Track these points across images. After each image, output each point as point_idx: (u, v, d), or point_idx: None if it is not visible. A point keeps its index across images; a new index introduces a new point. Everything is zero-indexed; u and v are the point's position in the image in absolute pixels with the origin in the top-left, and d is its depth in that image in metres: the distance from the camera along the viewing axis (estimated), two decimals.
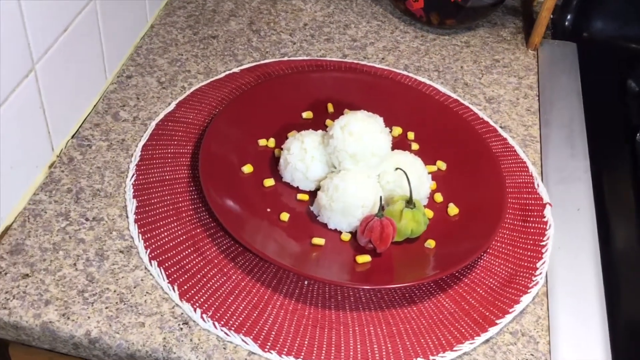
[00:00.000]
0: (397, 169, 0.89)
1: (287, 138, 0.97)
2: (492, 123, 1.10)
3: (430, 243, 0.87)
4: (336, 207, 0.86)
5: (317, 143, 0.91)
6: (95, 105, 1.01)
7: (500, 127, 1.10)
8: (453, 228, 0.90)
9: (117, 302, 0.77)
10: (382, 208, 0.84)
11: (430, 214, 0.91)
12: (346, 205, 0.85)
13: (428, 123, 1.05)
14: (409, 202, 0.86)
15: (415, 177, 0.90)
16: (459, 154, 1.00)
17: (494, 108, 1.13)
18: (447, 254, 0.86)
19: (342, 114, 1.04)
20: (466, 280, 0.85)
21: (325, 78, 1.08)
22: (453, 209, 0.92)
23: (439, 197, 0.94)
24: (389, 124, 1.02)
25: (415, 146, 1.01)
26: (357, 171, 0.88)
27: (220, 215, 0.84)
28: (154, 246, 0.83)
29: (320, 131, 0.95)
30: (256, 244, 0.81)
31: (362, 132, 0.88)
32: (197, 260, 0.82)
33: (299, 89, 1.06)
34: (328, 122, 1.03)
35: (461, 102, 1.13)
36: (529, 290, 0.85)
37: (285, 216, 0.88)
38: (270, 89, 1.04)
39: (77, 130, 0.97)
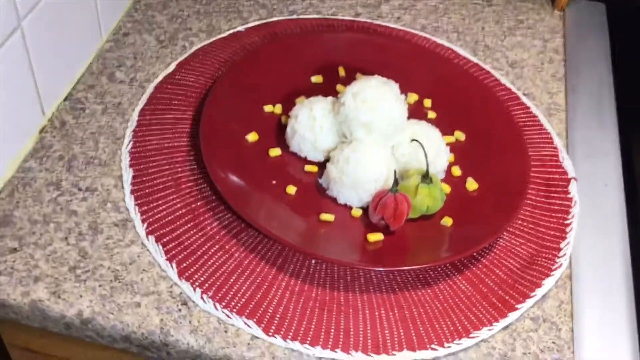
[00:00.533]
0: (412, 140, 0.83)
1: (294, 104, 0.91)
2: (514, 90, 1.03)
3: (447, 221, 0.81)
4: (347, 180, 0.80)
5: (326, 111, 0.85)
6: (89, 66, 0.95)
7: (524, 94, 1.02)
8: (472, 204, 0.84)
9: (111, 280, 0.72)
10: (396, 183, 0.78)
11: (447, 189, 0.85)
12: (357, 179, 0.79)
13: (446, 90, 0.98)
14: (425, 177, 0.80)
15: (432, 149, 0.84)
16: (478, 124, 0.94)
17: (517, 73, 1.05)
18: (464, 233, 0.80)
19: (354, 78, 0.97)
20: (484, 260, 0.80)
21: (336, 39, 1.00)
22: (472, 184, 0.86)
23: (456, 171, 0.88)
24: (404, 90, 0.95)
25: (432, 114, 0.94)
26: (369, 142, 0.82)
27: (222, 189, 0.78)
28: (151, 220, 0.78)
29: (330, 97, 0.88)
30: (260, 219, 0.76)
31: (376, 99, 0.81)
32: (197, 236, 0.77)
33: (308, 50, 0.98)
34: (339, 87, 0.96)
35: (482, 67, 1.05)
36: (551, 273, 0.79)
37: (291, 189, 0.82)
38: (277, 51, 0.97)
39: (70, 92, 0.91)
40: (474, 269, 0.79)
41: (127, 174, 0.82)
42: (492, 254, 0.80)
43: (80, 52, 0.93)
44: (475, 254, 0.80)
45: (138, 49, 0.98)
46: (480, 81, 0.99)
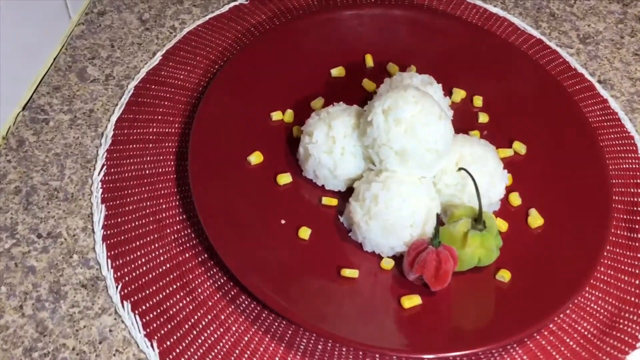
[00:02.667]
0: (460, 169, 0.64)
1: (309, 109, 0.72)
2: (587, 75, 0.82)
3: (504, 275, 0.63)
4: (374, 225, 0.62)
5: (349, 128, 0.66)
6: (55, 59, 0.76)
7: (599, 81, 0.81)
8: (536, 248, 0.65)
9: None
10: (437, 234, 0.60)
11: (503, 226, 0.67)
12: (389, 224, 0.61)
13: (502, 82, 0.77)
14: (477, 221, 0.62)
15: (486, 176, 0.65)
16: (543, 130, 0.74)
17: (590, 52, 0.84)
18: (528, 292, 0.62)
19: (386, 70, 0.77)
20: (550, 325, 0.63)
21: (362, 17, 0.80)
22: (536, 219, 0.67)
23: (515, 199, 0.69)
24: (448, 84, 0.76)
25: (483, 118, 0.75)
26: (404, 173, 0.63)
27: (216, 244, 0.61)
28: (127, 279, 0.62)
29: (354, 107, 0.69)
30: (264, 286, 0.59)
31: (414, 120, 0.62)
32: (185, 301, 0.61)
33: (327, 33, 0.78)
34: (366, 83, 0.76)
35: (545, 44, 0.84)
36: (638, 344, 0.62)
37: (305, 233, 0.64)
38: (288, 36, 0.77)
39: (30, 97, 0.73)
40: (537, 337, 0.62)
41: (99, 213, 0.65)
42: (559, 316, 0.63)
43: (43, 40, 0.74)
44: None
45: (116, 34, 0.79)
46: (547, 71, 0.78)
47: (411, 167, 0.63)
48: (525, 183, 0.70)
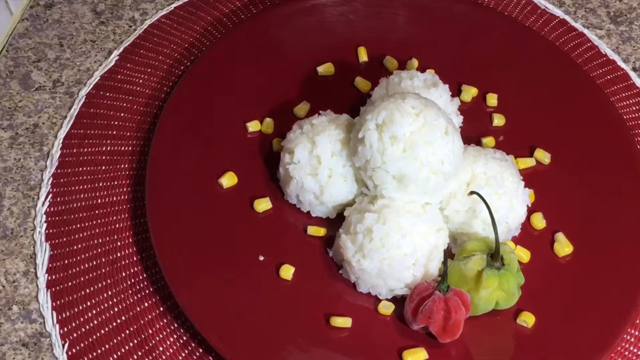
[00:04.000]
0: (472, 193, 0.53)
1: (292, 117, 0.61)
2: (620, 62, 0.70)
3: (527, 319, 0.53)
4: (369, 265, 0.51)
5: (337, 144, 0.54)
6: None
7: (634, 69, 0.69)
8: (564, 284, 0.55)
9: None
10: (446, 274, 0.50)
11: (525, 255, 0.56)
12: (386, 264, 0.51)
13: (520, 76, 0.65)
14: (494, 257, 0.51)
15: (504, 201, 0.54)
16: (570, 135, 0.62)
17: (623, 33, 0.72)
18: (557, 340, 0.52)
19: (382, 65, 0.66)
20: None
21: (353, 1, 0.67)
22: (563, 245, 0.56)
23: (539, 222, 0.58)
24: (456, 80, 0.64)
25: (499, 120, 0.63)
26: (404, 201, 0.52)
27: (178, 290, 0.51)
28: (75, 335, 0.51)
29: (343, 118, 0.57)
30: (237, 346, 0.49)
31: (414, 138, 0.50)
32: None
33: (312, 23, 0.66)
34: (359, 82, 0.64)
35: (570, 25, 0.72)
36: None
37: (287, 271, 0.54)
38: (265, 27, 0.65)
39: None
40: None
41: (42, 253, 0.55)
42: None
43: None
44: None
45: (66, 30, 0.67)
46: (572, 60, 0.66)
47: (412, 193, 0.52)
48: (550, 201, 0.59)
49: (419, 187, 0.52)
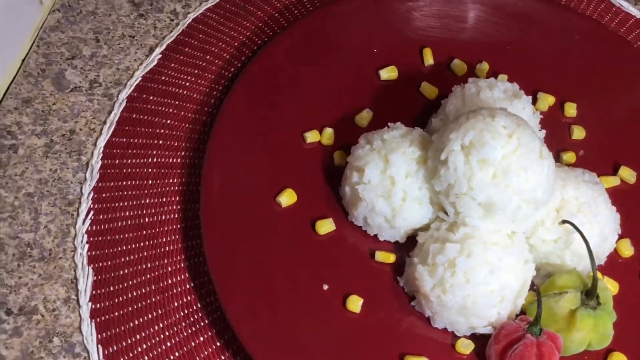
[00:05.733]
0: (564, 221, 0.48)
1: (353, 125, 0.55)
2: None
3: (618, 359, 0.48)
4: (450, 301, 0.46)
5: (413, 164, 0.49)
6: (24, 60, 0.59)
7: None
8: None
9: None
10: (539, 316, 0.45)
11: (612, 287, 0.51)
12: (470, 302, 0.46)
13: (600, 82, 0.60)
14: (589, 294, 0.47)
15: (597, 229, 0.49)
16: None
17: None
18: None
19: (449, 69, 0.60)
20: None
21: None
22: None
23: (626, 248, 0.53)
24: (531, 87, 0.59)
25: (579, 132, 0.58)
26: (489, 231, 0.47)
27: (237, 325, 0.46)
28: None
29: (417, 133, 0.52)
30: None
31: (507, 163, 0.45)
32: None
33: (374, 22, 0.60)
34: (425, 87, 0.59)
35: None
36: None
37: (355, 303, 0.49)
38: (324, 26, 0.59)
39: None
40: None
41: (85, 278, 0.50)
42: None
43: (9, 35, 0.57)
44: None
45: (101, 23, 0.61)
46: None
47: (499, 222, 0.47)
48: (637, 225, 0.54)
49: (507, 216, 0.46)
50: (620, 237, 0.53)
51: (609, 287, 0.51)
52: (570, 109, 0.59)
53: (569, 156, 0.56)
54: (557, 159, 0.56)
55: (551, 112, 0.60)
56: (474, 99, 0.53)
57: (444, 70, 0.60)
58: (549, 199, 0.48)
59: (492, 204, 0.46)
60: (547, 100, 0.59)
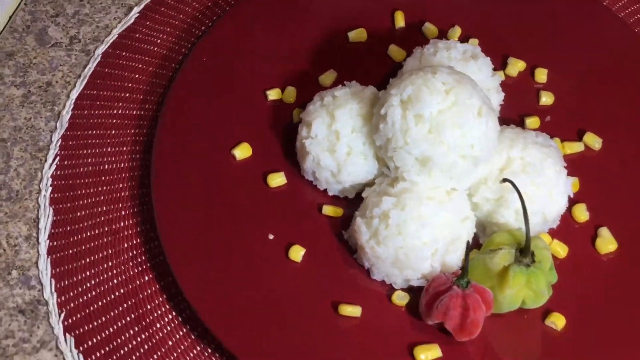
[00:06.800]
0: (504, 180, 0.47)
1: (318, 88, 0.56)
2: None
3: (557, 320, 0.47)
4: (384, 253, 0.47)
5: (359, 120, 0.50)
6: (11, 17, 0.63)
7: None
8: (603, 285, 0.49)
9: None
10: (466, 269, 0.45)
11: (561, 250, 0.51)
12: (402, 253, 0.46)
13: (575, 50, 0.59)
14: (524, 253, 0.46)
15: (543, 190, 0.48)
16: (627, 119, 0.56)
17: None
18: (589, 346, 0.47)
19: (421, 32, 0.60)
20: None
21: None
22: (606, 242, 0.50)
23: (581, 213, 0.52)
24: (502, 52, 0.59)
25: (547, 98, 0.57)
26: (428, 187, 0.48)
27: (177, 268, 0.48)
28: (72, 305, 0.49)
29: (369, 90, 0.52)
30: (237, 330, 0.46)
31: (442, 119, 0.45)
32: (140, 339, 0.48)
33: None
34: (393, 50, 0.59)
35: None
36: None
37: (297, 253, 0.50)
38: None
39: None
40: None
41: (46, 218, 0.53)
42: None
43: None
44: None
45: None
46: (636, 34, 0.59)
47: (437, 177, 0.47)
48: (596, 191, 0.53)
49: (444, 172, 0.47)
50: (577, 201, 0.52)
51: (559, 250, 0.51)
52: (541, 75, 0.58)
53: (533, 121, 0.56)
54: (521, 124, 0.56)
55: (521, 77, 0.59)
56: (430, 58, 0.53)
57: (415, 34, 0.60)
58: (490, 157, 0.48)
59: (428, 159, 0.46)
60: (517, 65, 0.58)
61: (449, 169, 0.46)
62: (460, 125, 0.45)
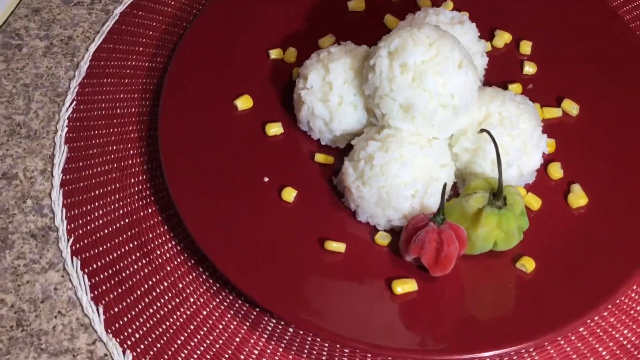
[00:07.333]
0: (482, 130, 0.51)
1: (317, 49, 0.60)
2: None
3: (526, 263, 0.51)
4: (368, 192, 0.51)
5: (351, 73, 0.54)
6: None
7: None
8: (572, 235, 0.53)
9: (12, 327, 0.51)
10: (441, 211, 0.49)
11: (535, 203, 0.54)
12: (384, 192, 0.50)
13: (558, 25, 0.63)
14: (496, 195, 0.50)
15: (518, 142, 0.52)
16: (602, 88, 0.60)
17: None
18: (555, 288, 0.50)
19: (415, 4, 0.65)
20: (580, 329, 0.51)
21: None
22: (578, 197, 0.54)
23: (555, 171, 0.56)
24: (490, 25, 0.63)
25: (530, 68, 0.61)
26: (410, 132, 0.52)
27: (179, 200, 0.52)
28: (80, 232, 0.54)
29: (361, 49, 0.57)
30: (230, 258, 0.50)
31: (424, 68, 0.49)
32: (141, 263, 0.52)
33: None
34: (388, 19, 0.63)
35: None
36: None
37: (289, 194, 0.54)
38: None
39: (6, 20, 0.65)
40: (562, 342, 0.50)
41: (60, 154, 0.57)
42: (593, 318, 0.51)
43: None
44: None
45: None
46: (617, 15, 0.63)
47: (419, 125, 0.51)
48: (571, 152, 0.57)
49: (426, 119, 0.51)
50: (552, 160, 0.56)
51: (533, 202, 0.54)
52: (525, 47, 0.62)
53: (515, 87, 0.60)
54: (504, 89, 0.60)
55: (507, 49, 0.63)
56: (419, 21, 0.57)
57: (410, 5, 0.65)
58: (470, 109, 0.52)
59: (410, 106, 0.50)
60: (503, 37, 0.62)
61: (430, 117, 0.51)
62: (441, 74, 0.49)
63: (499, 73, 0.60)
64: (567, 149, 0.57)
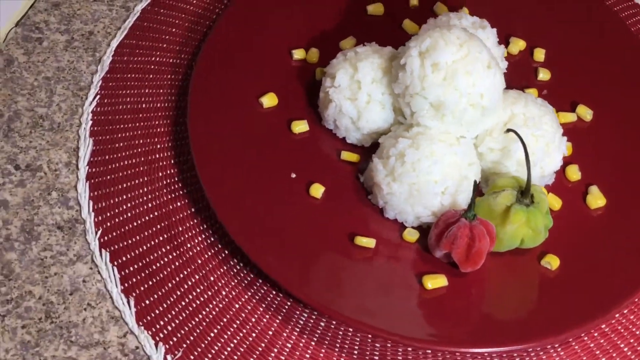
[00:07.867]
0: (508, 130, 0.53)
1: (338, 50, 0.61)
2: None
3: (552, 261, 0.53)
4: (398, 189, 0.52)
5: (379, 72, 0.55)
6: None
7: None
8: (593, 234, 0.55)
9: (40, 319, 0.50)
10: (472, 206, 0.50)
11: (556, 203, 0.56)
12: (415, 189, 0.51)
13: (571, 34, 0.65)
14: (524, 194, 0.52)
15: (541, 143, 0.54)
16: (615, 94, 0.62)
17: None
18: (579, 285, 0.52)
19: (432, 11, 0.66)
20: (602, 325, 0.52)
21: None
22: (596, 198, 0.56)
23: (574, 173, 0.58)
24: (505, 32, 0.65)
25: (544, 75, 0.63)
26: (440, 131, 0.53)
27: (210, 193, 0.52)
28: (109, 224, 0.54)
29: (387, 49, 0.58)
30: (261, 251, 0.50)
31: (456, 67, 0.51)
32: (171, 257, 0.52)
33: None
34: (407, 24, 0.65)
35: None
36: None
37: (317, 190, 0.55)
38: None
39: (26, 13, 0.65)
40: (585, 338, 0.52)
41: (85, 147, 0.57)
42: (615, 315, 0.53)
43: None
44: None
45: None
46: (626, 26, 0.66)
47: (448, 123, 0.53)
48: (587, 155, 0.59)
49: (455, 117, 0.52)
50: (570, 163, 0.58)
51: (553, 203, 0.56)
52: (539, 54, 0.64)
53: (532, 91, 0.62)
54: None
55: (521, 56, 0.65)
56: (444, 25, 0.59)
57: (427, 12, 0.67)
58: (496, 109, 0.53)
59: (441, 104, 0.52)
60: (517, 45, 0.65)
61: (460, 115, 0.52)
62: (471, 73, 0.51)
63: (514, 79, 0.62)
64: (583, 153, 0.59)
